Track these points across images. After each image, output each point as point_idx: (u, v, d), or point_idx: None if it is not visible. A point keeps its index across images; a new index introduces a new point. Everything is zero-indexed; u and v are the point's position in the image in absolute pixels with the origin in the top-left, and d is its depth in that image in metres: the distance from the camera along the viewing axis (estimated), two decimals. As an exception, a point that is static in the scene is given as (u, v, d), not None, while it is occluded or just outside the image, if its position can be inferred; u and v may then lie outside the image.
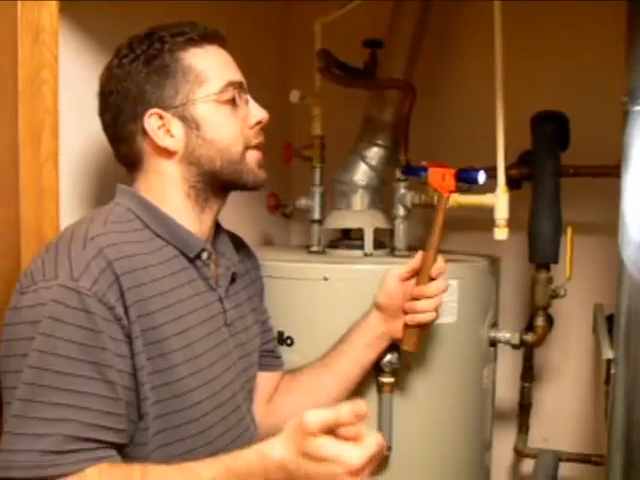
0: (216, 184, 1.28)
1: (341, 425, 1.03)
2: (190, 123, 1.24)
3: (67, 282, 1.07)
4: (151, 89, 1.23)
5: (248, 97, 1.30)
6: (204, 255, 1.27)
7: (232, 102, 1.27)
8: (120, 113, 1.26)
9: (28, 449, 1.02)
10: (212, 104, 1.25)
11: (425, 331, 1.47)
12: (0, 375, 1.10)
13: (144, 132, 1.24)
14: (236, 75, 1.29)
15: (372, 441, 1.04)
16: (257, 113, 1.30)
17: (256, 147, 1.31)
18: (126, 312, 1.11)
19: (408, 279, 1.43)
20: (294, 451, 1.04)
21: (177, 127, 1.24)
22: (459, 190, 1.47)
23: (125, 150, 1.28)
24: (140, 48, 1.24)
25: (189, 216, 1.27)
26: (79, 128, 1.40)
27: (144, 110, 1.23)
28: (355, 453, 1.02)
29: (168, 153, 1.25)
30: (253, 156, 1.30)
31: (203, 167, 1.26)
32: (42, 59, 1.31)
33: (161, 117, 1.23)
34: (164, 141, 1.24)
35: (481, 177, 1.48)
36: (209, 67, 1.25)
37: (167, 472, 1.08)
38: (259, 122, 1.31)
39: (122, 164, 1.31)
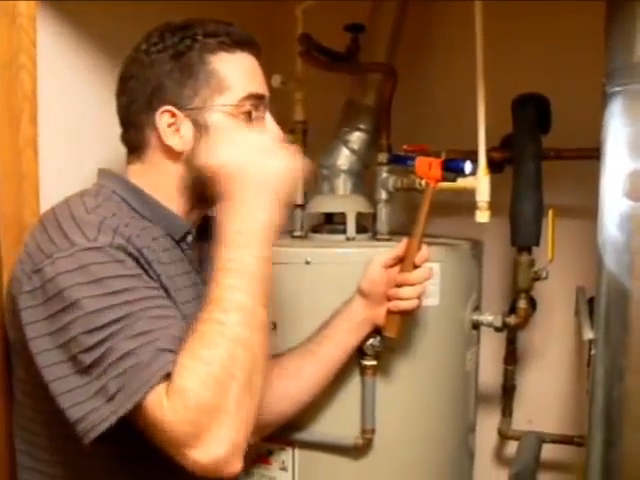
0: (208, 194, 1.25)
1: None
2: (201, 128, 1.22)
3: (87, 244, 1.07)
4: (171, 85, 1.22)
5: (267, 114, 1.28)
6: (189, 238, 1.28)
7: (248, 115, 1.24)
8: (135, 100, 1.25)
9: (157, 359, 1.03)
10: (227, 114, 1.23)
11: (407, 318, 1.48)
12: (37, 358, 1.08)
13: (154, 126, 1.23)
14: (260, 88, 1.27)
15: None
16: (276, 135, 1.26)
17: None
18: (149, 265, 1.13)
19: (392, 266, 1.44)
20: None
21: (187, 129, 1.23)
22: (446, 179, 1.47)
23: (132, 136, 1.27)
24: (171, 40, 1.23)
25: (179, 205, 1.27)
26: (59, 114, 1.39)
27: (159, 104, 1.22)
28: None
29: (172, 152, 1.24)
30: None
31: (202, 174, 1.23)
32: (20, 44, 1.30)
33: (174, 115, 1.22)
34: (171, 140, 1.23)
35: (467, 167, 1.49)
36: (233, 75, 1.24)
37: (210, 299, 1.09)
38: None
39: (125, 146, 1.30)
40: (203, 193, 1.24)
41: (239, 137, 1.18)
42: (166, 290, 1.17)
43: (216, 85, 1.22)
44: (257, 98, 1.26)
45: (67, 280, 1.05)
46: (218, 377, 1.03)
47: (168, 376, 1.03)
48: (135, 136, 1.27)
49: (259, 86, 1.27)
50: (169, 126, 1.22)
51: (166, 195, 1.26)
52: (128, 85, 1.26)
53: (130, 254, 1.10)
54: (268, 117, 1.28)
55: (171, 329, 1.07)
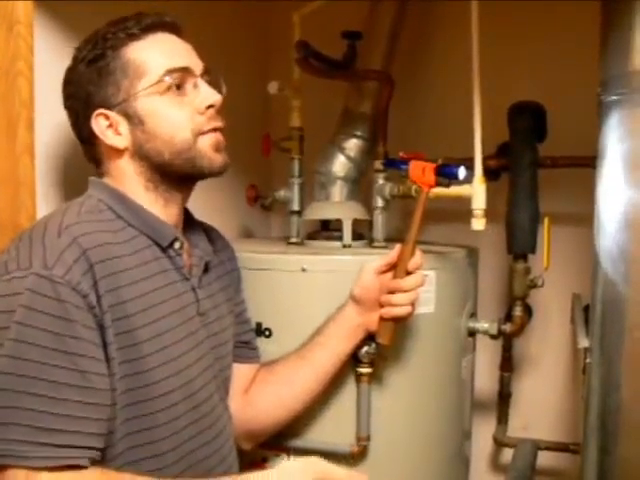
0: (171, 176, 1.27)
1: None
2: (134, 119, 1.24)
3: (41, 270, 1.07)
4: (95, 90, 1.24)
5: (198, 81, 1.27)
6: (177, 244, 1.27)
7: (176, 89, 1.24)
8: (77, 116, 1.27)
9: (5, 438, 1.01)
10: (153, 96, 1.23)
11: (400, 325, 1.48)
12: None
13: (95, 133, 1.24)
14: (180, 61, 1.25)
15: None
16: (207, 97, 1.27)
17: (212, 131, 1.28)
18: (99, 301, 1.11)
19: (385, 272, 1.44)
20: None
21: (123, 125, 1.24)
22: (439, 185, 1.47)
23: (87, 151, 1.30)
24: (86, 49, 1.25)
25: (154, 208, 1.27)
26: (55, 121, 1.39)
27: (92, 111, 1.24)
28: None
29: (118, 151, 1.25)
30: (206, 141, 1.26)
31: (153, 160, 1.25)
32: (17, 50, 1.30)
33: (107, 117, 1.24)
34: (112, 140, 1.24)
35: (461, 173, 1.49)
36: (148, 58, 1.23)
37: None
38: (210, 106, 1.27)
39: (93, 164, 1.31)
40: (166, 177, 1.26)
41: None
42: (129, 316, 1.15)
43: (133, 73, 1.23)
44: (179, 71, 1.25)
45: (10, 303, 1.06)
46: None
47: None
48: (90, 150, 1.29)
49: (179, 60, 1.26)
50: (107, 128, 1.24)
51: (141, 197, 1.26)
52: (67, 105, 1.29)
53: (79, 291, 1.08)
54: (203, 85, 1.27)
55: (71, 404, 1.05)
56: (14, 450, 1.01)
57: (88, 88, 1.24)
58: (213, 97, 1.27)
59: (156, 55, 1.24)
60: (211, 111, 1.27)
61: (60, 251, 1.09)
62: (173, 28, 1.29)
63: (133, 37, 1.24)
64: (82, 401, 1.07)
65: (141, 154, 1.25)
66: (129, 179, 1.26)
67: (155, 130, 1.24)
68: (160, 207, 1.28)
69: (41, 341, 1.05)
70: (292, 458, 1.14)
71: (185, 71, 1.26)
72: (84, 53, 1.24)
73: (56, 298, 1.06)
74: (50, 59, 1.38)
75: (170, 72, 1.24)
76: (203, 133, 1.26)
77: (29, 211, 1.33)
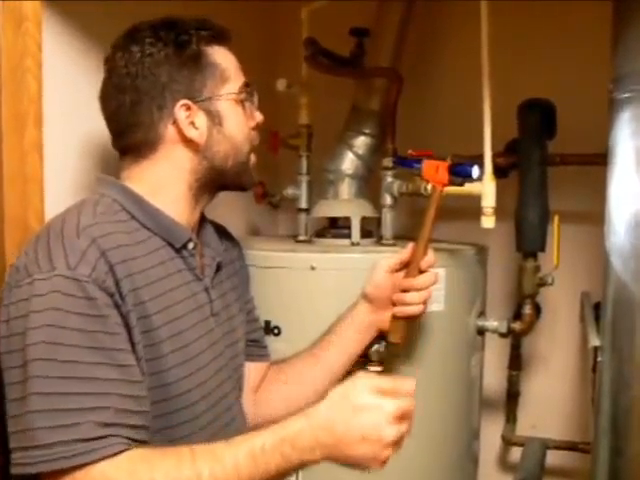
0: (219, 181, 1.30)
1: None
2: (214, 118, 1.25)
3: (65, 272, 1.06)
4: (181, 79, 1.23)
5: (255, 99, 1.33)
6: (190, 245, 1.27)
7: (244, 103, 1.30)
8: (141, 99, 1.23)
9: (63, 440, 1.01)
10: (231, 102, 1.27)
11: (412, 323, 1.47)
12: (4, 373, 1.08)
13: (172, 121, 1.23)
14: (246, 77, 1.31)
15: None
16: (257, 116, 1.33)
17: (254, 149, 1.34)
18: (123, 300, 1.11)
19: (397, 271, 1.43)
20: (340, 409, 1.08)
21: (202, 120, 1.24)
22: (453, 183, 1.46)
23: (138, 136, 1.25)
24: (168, 37, 1.23)
25: (183, 206, 1.27)
26: (64, 117, 1.39)
27: (173, 99, 1.23)
28: (395, 402, 1.10)
29: (191, 144, 1.25)
30: (253, 158, 1.34)
31: (214, 162, 1.27)
32: (25, 47, 1.30)
33: (189, 108, 1.23)
34: (190, 132, 1.24)
35: (475, 171, 1.48)
36: (229, 66, 1.28)
37: (215, 448, 1.08)
38: (258, 124, 1.34)
39: (122, 149, 1.28)
40: (214, 181, 1.29)
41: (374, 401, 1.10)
42: (149, 315, 1.15)
43: (219, 75, 1.26)
44: (248, 86, 1.31)
45: (34, 306, 1.05)
46: None
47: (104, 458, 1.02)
48: (143, 136, 1.24)
49: (245, 76, 1.31)
50: (186, 119, 1.24)
51: (174, 194, 1.26)
52: (128, 86, 1.24)
53: (105, 289, 1.09)
54: (254, 102, 1.33)
55: (105, 402, 1.05)
56: (71, 450, 1.01)
57: (173, 75, 1.23)
58: (260, 116, 1.35)
59: (234, 65, 1.30)
60: (257, 130, 1.34)
61: (82, 252, 1.09)
62: (231, 44, 1.32)
63: (213, 40, 1.27)
64: (125, 394, 1.07)
65: (208, 153, 1.26)
66: (178, 173, 1.26)
67: (231, 133, 1.27)
68: (190, 207, 1.28)
69: (76, 341, 1.04)
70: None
71: (254, 88, 1.32)
72: (165, 40, 1.23)
73: (85, 297, 1.06)
74: (58, 56, 1.38)
75: (247, 86, 1.30)
76: (252, 149, 1.33)
77: (37, 208, 1.33)
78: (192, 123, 1.24)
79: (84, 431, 1.02)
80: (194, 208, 1.29)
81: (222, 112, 1.26)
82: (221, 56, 1.27)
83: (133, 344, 1.11)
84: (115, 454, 1.03)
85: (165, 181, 1.26)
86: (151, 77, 1.23)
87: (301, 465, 1.09)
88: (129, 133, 1.26)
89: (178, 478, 1.05)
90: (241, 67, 1.32)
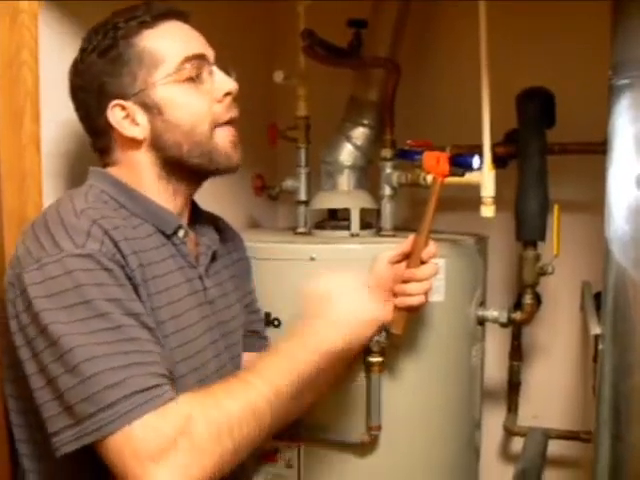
0: (185, 169, 1.26)
1: None
2: (152, 109, 1.22)
3: (74, 250, 1.06)
4: (109, 80, 1.21)
5: (213, 69, 1.26)
6: (181, 233, 1.27)
7: (195, 78, 1.23)
8: (87, 108, 1.25)
9: (124, 394, 1.01)
10: (171, 85, 1.22)
11: (413, 314, 1.47)
12: (24, 365, 1.07)
13: (110, 125, 1.23)
14: (196, 48, 1.25)
15: None
16: (224, 84, 1.26)
17: (228, 123, 1.27)
18: (133, 274, 1.12)
19: (398, 262, 1.43)
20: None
21: (140, 115, 1.22)
22: (454, 174, 1.46)
23: (99, 143, 1.28)
24: (96, 39, 1.23)
25: (164, 197, 1.27)
26: (61, 110, 1.39)
27: (107, 102, 1.22)
28: None
29: (135, 142, 1.24)
30: (224, 134, 1.26)
31: (170, 152, 1.24)
32: (21, 40, 1.29)
33: (124, 108, 1.22)
34: (130, 131, 1.22)
35: (476, 162, 1.48)
36: (163, 47, 1.22)
37: (260, 363, 1.20)
38: (228, 93, 1.26)
39: (97, 154, 1.30)
40: (180, 170, 1.26)
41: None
42: (152, 294, 1.16)
43: (149, 62, 1.21)
44: (197, 58, 1.24)
45: (46, 289, 1.05)
46: (222, 428, 1.06)
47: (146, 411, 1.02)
48: (101, 143, 1.27)
49: (194, 47, 1.25)
50: (124, 119, 1.22)
51: (148, 188, 1.25)
52: (76, 97, 1.27)
53: (117, 262, 1.09)
54: (218, 73, 1.26)
55: (150, 358, 1.06)
56: (132, 403, 1.01)
57: (101, 79, 1.22)
58: (230, 84, 1.26)
59: (171, 43, 1.23)
60: (228, 99, 1.26)
61: (85, 231, 1.08)
62: (183, 16, 1.27)
63: (145, 25, 1.22)
64: (157, 352, 1.08)
65: (158, 145, 1.24)
66: (141, 169, 1.25)
67: (175, 120, 1.22)
68: (167, 196, 1.27)
69: (108, 309, 1.04)
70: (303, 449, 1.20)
71: (202, 58, 1.24)
72: (94, 44, 1.22)
73: (102, 268, 1.06)
74: (55, 49, 1.38)
75: (188, 60, 1.22)
76: (220, 125, 1.25)
77: (35, 202, 1.33)
78: (133, 120, 1.22)
79: (140, 382, 1.02)
80: (174, 197, 1.28)
81: (159, 100, 1.21)
82: (153, 39, 1.22)
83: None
84: (171, 399, 1.04)
85: (136, 179, 1.25)
86: (85, 86, 1.24)
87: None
88: (93, 142, 1.30)
89: (248, 398, 1.11)
90: (194, 40, 1.25)
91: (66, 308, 1.03)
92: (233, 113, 1.28)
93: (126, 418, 1.01)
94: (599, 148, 1.39)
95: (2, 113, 1.27)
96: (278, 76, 1.78)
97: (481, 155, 1.54)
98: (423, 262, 1.41)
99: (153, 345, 1.08)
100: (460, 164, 1.46)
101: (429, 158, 1.47)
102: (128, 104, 1.21)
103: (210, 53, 1.27)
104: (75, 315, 1.03)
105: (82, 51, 1.24)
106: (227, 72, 1.29)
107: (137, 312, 1.08)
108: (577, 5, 1.93)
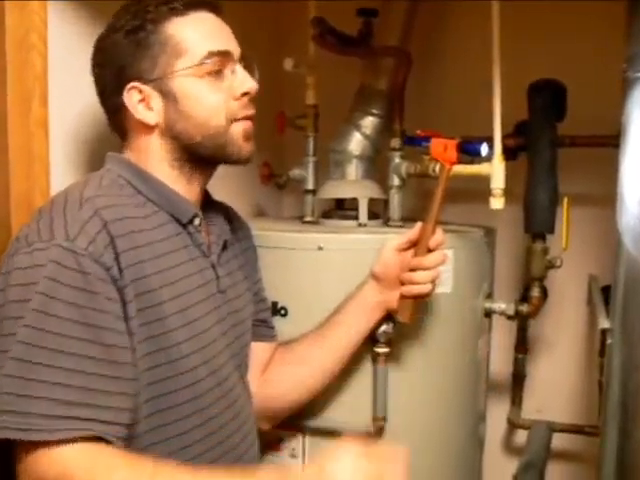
0: (198, 158, 1.25)
1: None
2: (168, 97, 1.21)
3: (63, 242, 1.06)
4: (130, 62, 1.21)
5: (237, 67, 1.25)
6: (196, 221, 1.26)
7: (215, 73, 1.22)
8: (105, 87, 1.25)
9: (26, 411, 1.00)
10: (191, 77, 1.21)
11: (420, 303, 1.46)
12: None
13: (125, 105, 1.22)
14: (222, 44, 1.23)
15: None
16: (243, 84, 1.25)
17: (244, 119, 1.26)
18: (121, 274, 1.10)
19: (406, 250, 1.42)
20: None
21: (156, 101, 1.22)
22: (461, 162, 1.45)
23: (114, 122, 1.28)
24: (124, 19, 1.22)
25: (175, 185, 1.26)
26: (70, 94, 1.38)
27: (125, 83, 1.21)
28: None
29: (147, 127, 1.23)
30: (239, 128, 1.25)
31: (182, 141, 1.23)
32: (30, 24, 1.29)
33: (140, 91, 1.21)
34: (142, 115, 1.22)
35: (484, 149, 1.47)
36: (190, 37, 1.21)
37: (178, 474, 1.06)
38: (246, 93, 1.25)
39: (118, 138, 1.29)
40: (193, 158, 1.25)
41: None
42: (150, 291, 1.14)
43: (172, 51, 1.20)
44: (220, 55, 1.22)
45: (33, 275, 1.05)
46: None
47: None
48: (116, 122, 1.27)
49: (221, 43, 1.23)
50: (139, 102, 1.21)
51: (163, 174, 1.25)
52: (97, 74, 1.26)
53: (102, 264, 1.07)
54: (240, 72, 1.25)
55: (90, 377, 1.04)
56: (33, 424, 1.00)
57: (123, 59, 1.21)
58: (250, 84, 1.25)
59: (198, 35, 1.22)
60: (245, 98, 1.26)
61: (82, 223, 1.08)
62: (215, 8, 1.26)
63: (176, 12, 1.21)
64: (103, 374, 1.05)
65: (171, 133, 1.23)
66: (154, 155, 1.24)
67: (189, 111, 1.22)
68: (182, 185, 1.26)
69: (63, 313, 1.04)
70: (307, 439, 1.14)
71: (226, 55, 1.23)
72: (122, 22, 1.21)
73: (79, 270, 1.05)
74: (64, 33, 1.37)
75: (211, 55, 1.21)
76: (236, 120, 1.25)
77: (43, 186, 1.32)
78: (148, 105, 1.21)
79: (47, 407, 1.00)
80: (190, 185, 1.27)
81: (176, 90, 1.20)
82: (181, 28, 1.21)
83: (127, 319, 1.10)
84: (77, 440, 1.01)
85: (148, 163, 1.25)
86: (106, 64, 1.23)
87: None
88: (109, 120, 1.29)
89: None
90: (222, 34, 1.24)
91: (34, 295, 1.03)
92: (249, 112, 1.27)
93: (18, 433, 1.00)
94: (610, 141, 1.38)
95: (11, 97, 1.26)
96: (288, 64, 1.77)
97: (491, 145, 1.53)
98: (430, 250, 1.40)
99: (96, 363, 1.05)
100: (468, 151, 1.45)
101: (437, 145, 1.46)
102: (145, 88, 1.21)
103: (236, 50, 1.26)
104: (36, 304, 1.03)
105: (109, 28, 1.23)
106: (251, 71, 1.28)
107: (96, 325, 1.05)
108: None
